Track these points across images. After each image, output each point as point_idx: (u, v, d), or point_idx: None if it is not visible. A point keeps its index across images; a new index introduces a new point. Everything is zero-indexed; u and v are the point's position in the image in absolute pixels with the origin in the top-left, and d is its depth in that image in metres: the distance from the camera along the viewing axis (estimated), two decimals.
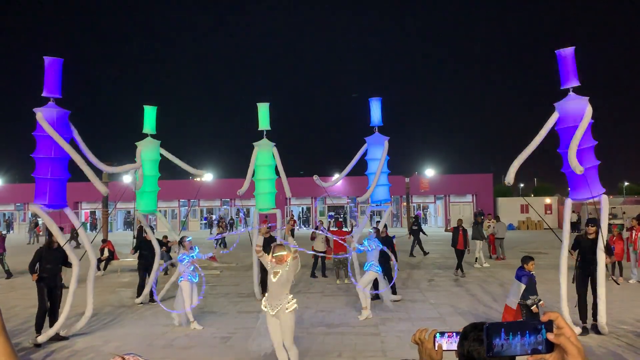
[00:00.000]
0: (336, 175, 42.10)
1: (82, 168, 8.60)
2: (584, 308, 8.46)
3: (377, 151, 11.77)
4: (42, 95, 8.71)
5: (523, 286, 7.71)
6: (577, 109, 8.36)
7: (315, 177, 12.26)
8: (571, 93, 8.52)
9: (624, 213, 30.12)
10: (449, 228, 15.79)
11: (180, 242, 9.76)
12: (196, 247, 9.61)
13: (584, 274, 8.54)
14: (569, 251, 8.82)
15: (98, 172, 9.74)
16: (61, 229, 9.24)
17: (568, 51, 8.54)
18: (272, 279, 6.18)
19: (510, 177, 8.44)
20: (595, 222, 8.82)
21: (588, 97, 8.40)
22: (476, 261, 16.82)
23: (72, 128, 8.97)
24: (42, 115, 8.47)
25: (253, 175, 12.19)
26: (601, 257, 8.35)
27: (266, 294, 6.38)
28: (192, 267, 9.43)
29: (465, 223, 15.74)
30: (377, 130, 11.93)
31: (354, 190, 41.26)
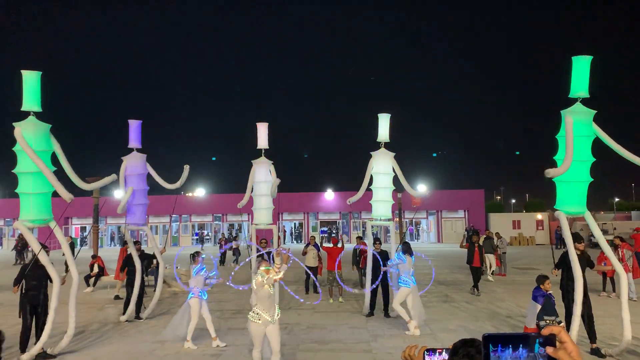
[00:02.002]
0: (325, 191, 41.96)
1: (48, 178, 8.33)
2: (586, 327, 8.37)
3: (381, 166, 11.77)
4: (21, 109, 8.63)
5: (539, 306, 7.49)
6: (584, 121, 8.21)
7: (348, 201, 12.53)
8: (579, 103, 8.32)
9: (615, 229, 30.33)
10: (464, 244, 15.43)
11: (194, 256, 9.61)
12: (204, 268, 9.48)
13: (573, 292, 8.38)
14: (554, 269, 8.86)
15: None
16: (44, 246, 9.02)
17: (584, 59, 8.28)
18: (270, 291, 6.80)
19: (553, 173, 7.76)
20: (581, 238, 8.89)
21: (595, 112, 8.23)
22: (492, 274, 17.00)
23: (53, 141, 8.91)
24: (20, 131, 8.39)
25: (252, 191, 12.35)
26: (622, 274, 8.33)
27: (259, 305, 6.80)
28: (206, 276, 9.27)
29: (458, 239, 15.78)
30: (383, 145, 11.93)
31: (348, 205, 41.26)
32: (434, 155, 42.63)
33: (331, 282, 13.41)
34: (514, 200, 71.41)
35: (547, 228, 38.49)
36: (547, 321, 7.35)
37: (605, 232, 34.24)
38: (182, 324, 9.04)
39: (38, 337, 8.41)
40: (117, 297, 14.52)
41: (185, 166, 12.49)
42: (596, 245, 31.87)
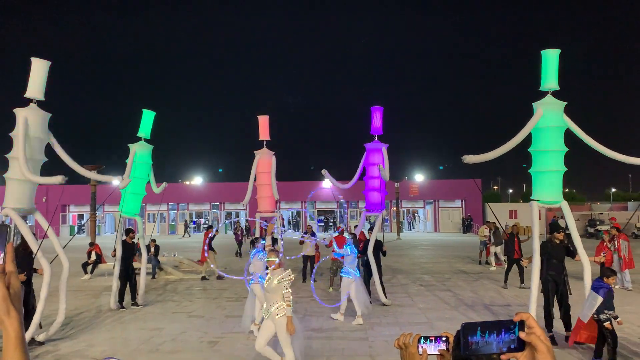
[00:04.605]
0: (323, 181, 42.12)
1: (26, 175, 8.15)
2: (550, 316, 8.45)
3: (375, 157, 11.91)
4: (24, 96, 8.54)
5: (600, 299, 7.06)
6: (555, 112, 8.44)
7: (324, 171, 12.47)
8: (550, 95, 8.54)
9: (611, 219, 30.38)
10: (504, 235, 15.20)
11: (254, 242, 9.61)
12: (260, 251, 9.45)
13: (553, 281, 8.49)
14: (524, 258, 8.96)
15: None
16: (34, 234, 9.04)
17: (552, 52, 8.48)
18: (264, 283, 6.66)
19: (469, 159, 8.14)
20: (561, 228, 9.02)
21: (566, 103, 8.47)
22: (492, 263, 17.45)
23: (48, 132, 8.82)
24: (25, 116, 8.34)
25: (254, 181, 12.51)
26: (586, 265, 8.43)
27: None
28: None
29: (454, 228, 15.74)
30: (376, 137, 12.02)
31: (345, 194, 41.29)
32: (441, 167, 42.66)
33: (334, 272, 13.42)
34: (511, 190, 71.63)
35: (544, 218, 38.62)
36: (608, 314, 7.03)
37: (601, 222, 34.38)
38: (254, 311, 8.99)
39: (26, 325, 8.41)
40: (203, 278, 15.49)
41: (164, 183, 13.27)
42: (592, 235, 31.99)
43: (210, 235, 15.57)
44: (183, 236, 38.25)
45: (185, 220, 41.62)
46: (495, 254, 18.52)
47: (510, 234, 14.40)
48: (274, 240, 12.79)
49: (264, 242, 9.72)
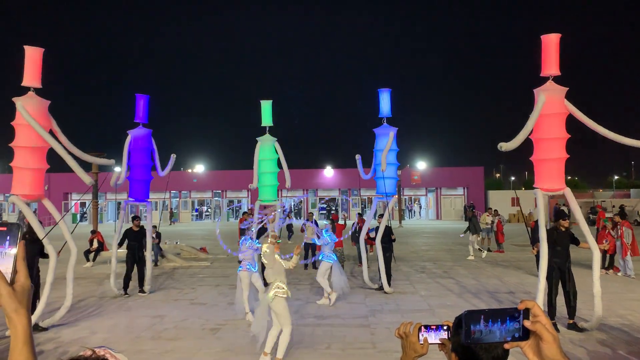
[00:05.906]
0: (326, 169, 41.90)
1: (64, 158, 8.40)
2: (553, 304, 8.43)
3: (384, 142, 11.73)
4: (21, 84, 8.56)
5: None
6: (556, 98, 8.28)
7: (357, 157, 12.77)
8: (551, 81, 8.37)
9: (614, 207, 30.38)
10: (530, 223, 15.12)
11: (244, 232, 9.64)
12: (249, 239, 9.47)
13: (557, 269, 8.45)
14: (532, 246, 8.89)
15: (87, 164, 9.75)
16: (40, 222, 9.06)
17: (553, 37, 8.30)
18: (283, 264, 6.91)
19: (506, 146, 8.00)
20: (566, 215, 8.94)
21: (567, 89, 8.30)
22: (481, 250, 17.34)
23: (51, 118, 8.83)
24: (22, 105, 8.33)
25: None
26: (596, 253, 8.36)
27: (280, 279, 6.83)
28: (253, 253, 9.23)
29: (456, 215, 15.68)
30: (385, 121, 11.90)
31: (347, 182, 41.25)
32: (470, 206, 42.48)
33: (340, 259, 13.39)
34: (513, 178, 71.52)
35: (547, 205, 38.58)
36: None
37: (604, 209, 34.33)
38: (244, 297, 9.15)
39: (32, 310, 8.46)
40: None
41: (172, 155, 12.69)
42: (593, 223, 31.95)
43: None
44: (170, 223, 38.81)
45: (171, 208, 41.89)
46: (499, 243, 18.50)
47: (536, 221, 14.31)
48: (263, 230, 12.61)
49: (253, 230, 9.81)
